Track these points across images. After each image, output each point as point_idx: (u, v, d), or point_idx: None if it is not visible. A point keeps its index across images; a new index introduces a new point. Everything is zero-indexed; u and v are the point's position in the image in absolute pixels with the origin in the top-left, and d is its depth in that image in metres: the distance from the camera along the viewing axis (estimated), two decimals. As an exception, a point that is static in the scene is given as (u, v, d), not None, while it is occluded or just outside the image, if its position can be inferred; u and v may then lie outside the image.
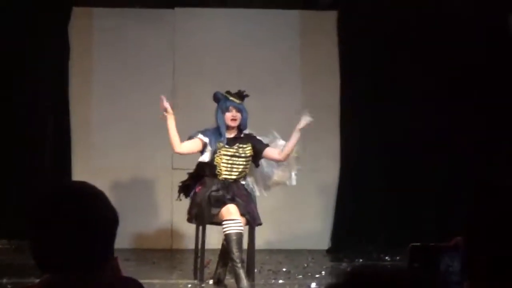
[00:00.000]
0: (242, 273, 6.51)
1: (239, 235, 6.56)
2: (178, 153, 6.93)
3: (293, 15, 9.12)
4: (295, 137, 6.80)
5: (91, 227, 2.12)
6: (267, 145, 6.93)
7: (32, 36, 8.52)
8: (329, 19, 9.00)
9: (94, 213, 2.14)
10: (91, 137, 8.90)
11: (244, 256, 6.80)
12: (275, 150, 6.89)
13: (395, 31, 8.70)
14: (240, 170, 6.90)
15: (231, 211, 6.60)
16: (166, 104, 6.77)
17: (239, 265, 6.52)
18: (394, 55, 8.71)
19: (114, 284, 2.12)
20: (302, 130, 8.42)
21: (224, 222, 6.58)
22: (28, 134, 8.61)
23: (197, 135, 6.87)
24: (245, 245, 6.80)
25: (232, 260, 6.55)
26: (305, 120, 6.77)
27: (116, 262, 2.21)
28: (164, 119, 6.80)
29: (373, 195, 8.67)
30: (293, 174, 7.00)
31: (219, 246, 6.99)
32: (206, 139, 6.84)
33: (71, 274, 2.12)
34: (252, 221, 6.79)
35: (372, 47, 8.73)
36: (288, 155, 6.85)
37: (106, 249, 2.17)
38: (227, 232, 6.56)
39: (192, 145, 6.89)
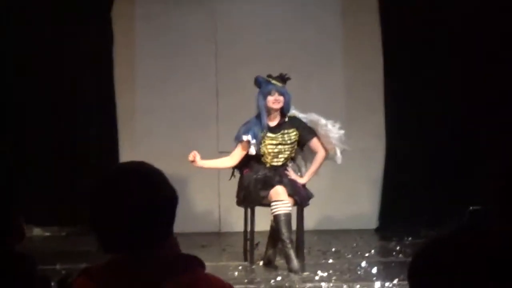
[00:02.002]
0: (292, 253, 6.54)
1: (288, 216, 6.59)
2: (234, 165, 6.97)
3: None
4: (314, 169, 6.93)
5: (152, 206, 2.15)
6: (313, 135, 6.91)
7: (76, 23, 8.57)
8: (370, -1, 8.95)
9: (155, 192, 2.16)
10: (137, 123, 8.96)
11: (293, 237, 6.84)
12: (320, 145, 6.90)
13: (437, 9, 8.60)
14: (286, 156, 6.92)
15: (279, 192, 6.63)
16: (192, 158, 6.78)
17: (289, 245, 6.55)
18: (437, 32, 8.62)
19: (176, 261, 2.15)
20: (347, 110, 8.43)
21: (272, 203, 6.61)
22: (75, 121, 8.69)
23: (240, 137, 6.87)
24: (293, 226, 6.83)
25: (282, 240, 6.58)
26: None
27: (175, 240, 2.24)
28: (196, 165, 6.87)
29: (419, 173, 8.63)
30: (338, 152, 6.99)
31: (267, 228, 7.03)
32: (249, 137, 6.84)
33: (134, 253, 2.15)
34: (301, 201, 6.81)
35: (414, 24, 8.65)
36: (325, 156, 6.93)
37: (167, 227, 2.19)
38: (276, 213, 6.59)
39: (240, 153, 6.92)
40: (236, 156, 6.94)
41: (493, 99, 8.51)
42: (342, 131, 6.96)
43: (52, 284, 2.11)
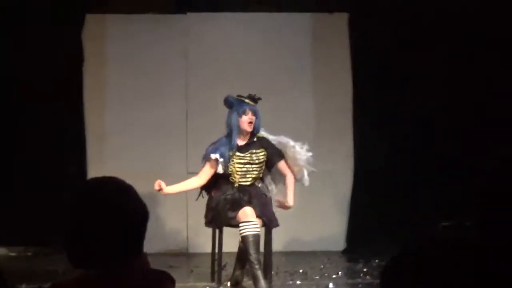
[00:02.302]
0: (260, 274, 6.53)
1: (257, 237, 6.59)
2: (203, 185, 6.97)
3: (304, 18, 9.15)
4: (289, 194, 6.88)
5: (122, 222, 2.15)
6: (281, 158, 6.93)
7: (46, 44, 8.57)
8: (340, 21, 9.04)
9: (125, 208, 2.17)
10: (106, 143, 8.95)
11: (261, 258, 6.84)
12: (287, 168, 6.92)
13: (406, 32, 8.71)
14: (254, 175, 6.92)
15: (247, 213, 6.63)
16: (158, 187, 6.78)
17: (257, 266, 6.55)
18: (406, 55, 8.72)
19: (146, 277, 2.16)
20: (316, 132, 8.48)
21: (241, 224, 6.61)
22: (44, 142, 8.65)
23: (208, 155, 6.87)
24: (261, 247, 6.84)
25: (250, 261, 6.57)
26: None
27: (145, 257, 2.25)
28: (163, 193, 6.86)
29: (387, 196, 8.68)
30: (305, 174, 7.00)
31: (235, 249, 7.03)
32: (217, 155, 6.84)
33: (103, 269, 2.15)
34: (269, 223, 6.81)
35: (383, 48, 8.75)
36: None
37: (137, 243, 2.20)
38: (244, 234, 6.59)
39: (208, 171, 6.91)
40: (204, 175, 6.93)
41: (463, 125, 8.61)
42: (309, 153, 6.98)
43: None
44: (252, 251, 6.53)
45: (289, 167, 6.93)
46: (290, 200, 6.86)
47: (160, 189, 6.78)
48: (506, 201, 1.78)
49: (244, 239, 6.60)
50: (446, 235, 1.53)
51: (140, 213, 2.21)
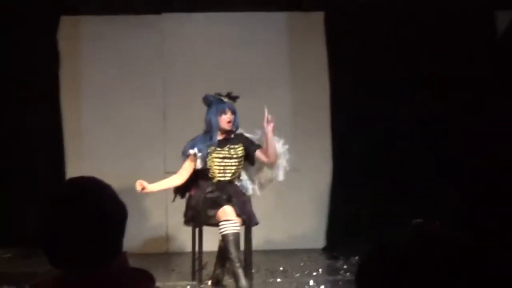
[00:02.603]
0: (241, 272, 6.55)
1: (237, 235, 6.60)
2: (183, 182, 6.96)
3: (280, 17, 9.17)
4: (268, 136, 6.80)
5: (101, 222, 2.15)
6: (258, 146, 6.96)
7: (21, 46, 8.54)
8: (316, 20, 9.05)
9: (104, 208, 2.17)
10: (83, 143, 8.92)
11: (241, 257, 6.85)
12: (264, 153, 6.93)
13: (382, 30, 8.76)
14: (233, 171, 6.93)
15: (227, 212, 6.64)
16: (140, 187, 6.77)
17: (238, 264, 6.56)
18: (382, 54, 8.76)
19: (126, 275, 2.15)
20: (294, 130, 8.51)
21: (221, 223, 6.62)
22: (20, 143, 8.62)
23: (187, 152, 6.89)
24: (242, 245, 6.85)
25: (231, 260, 6.58)
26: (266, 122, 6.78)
27: (125, 256, 2.25)
28: (146, 192, 6.87)
29: (366, 192, 8.71)
30: (280, 169, 7.01)
31: (215, 248, 7.03)
32: (195, 150, 6.85)
33: (82, 269, 2.14)
34: (249, 221, 6.83)
35: (360, 47, 8.78)
36: (274, 155, 6.87)
37: (116, 242, 2.20)
38: (224, 232, 6.59)
39: (188, 168, 6.92)
40: (184, 172, 6.94)
41: (441, 121, 8.66)
42: (286, 146, 7.01)
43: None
44: (232, 249, 6.55)
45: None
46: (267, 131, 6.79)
47: (143, 188, 6.78)
48: (493, 198, 1.80)
49: (224, 237, 6.61)
50: (420, 231, 1.54)
51: (119, 213, 2.21)
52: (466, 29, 8.71)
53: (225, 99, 6.88)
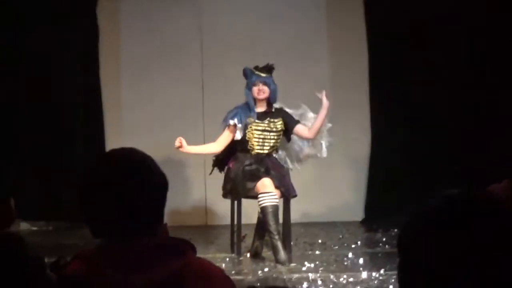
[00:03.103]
0: (279, 245, 6.58)
1: (275, 208, 6.63)
2: (220, 151, 7.01)
3: (319, -12, 9.11)
4: (322, 114, 6.86)
5: (142, 192, 2.17)
6: (298, 122, 6.98)
7: (61, 19, 8.58)
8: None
9: (145, 177, 2.19)
10: (123, 117, 8.98)
11: (280, 229, 6.89)
12: (305, 128, 6.94)
13: (424, 4, 8.63)
14: (271, 144, 6.96)
15: (265, 184, 6.66)
16: (179, 144, 6.84)
17: (277, 237, 6.59)
18: (421, 26, 8.65)
19: (168, 245, 2.18)
20: (332, 102, 8.48)
21: (259, 196, 6.64)
22: (60, 116, 8.69)
23: (227, 121, 6.92)
24: (280, 218, 6.88)
25: (270, 232, 6.62)
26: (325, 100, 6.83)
27: (166, 226, 2.27)
28: (182, 150, 6.94)
29: (405, 165, 8.67)
30: (323, 146, 7.05)
31: (254, 221, 7.07)
32: (235, 120, 6.89)
33: (124, 238, 2.17)
34: (287, 193, 6.85)
35: (398, 19, 8.68)
36: (317, 132, 6.91)
37: (157, 213, 2.22)
38: (263, 205, 6.62)
39: (226, 138, 6.96)
40: (222, 141, 6.99)
41: (480, 100, 8.57)
42: (329, 124, 7.03)
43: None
44: (271, 222, 6.58)
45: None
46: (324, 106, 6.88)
47: (180, 146, 6.86)
48: None
49: (263, 210, 6.64)
50: (469, 196, 1.53)
51: (160, 183, 2.23)
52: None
53: (256, 72, 6.91)
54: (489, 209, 1.47)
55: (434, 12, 8.59)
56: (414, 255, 1.49)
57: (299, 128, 6.95)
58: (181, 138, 6.87)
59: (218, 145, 7.03)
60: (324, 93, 6.92)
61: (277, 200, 6.67)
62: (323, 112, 6.87)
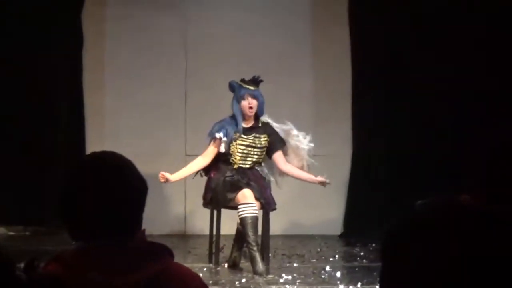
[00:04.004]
0: (258, 256, 6.58)
1: (255, 219, 6.63)
2: (208, 163, 6.99)
3: (304, 1, 9.14)
4: (306, 177, 6.98)
5: (122, 194, 2.17)
6: (282, 145, 6.96)
7: (45, 24, 8.56)
8: (340, 5, 9.01)
9: (124, 181, 2.19)
10: (105, 124, 8.96)
11: (259, 240, 6.89)
12: (283, 159, 6.95)
13: (407, 16, 8.69)
14: (254, 159, 6.96)
15: (246, 195, 6.66)
16: (163, 180, 6.83)
17: (255, 248, 6.60)
18: (406, 40, 8.71)
19: (146, 250, 2.17)
20: (315, 116, 8.50)
21: (239, 206, 6.64)
22: (43, 121, 8.66)
23: (213, 134, 6.88)
24: (259, 229, 6.88)
25: (248, 243, 6.62)
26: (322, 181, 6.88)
27: (143, 232, 2.26)
28: (171, 181, 6.91)
29: (385, 180, 8.70)
30: (305, 166, 7.08)
31: (232, 232, 7.06)
32: (220, 134, 6.86)
33: (101, 242, 2.16)
34: (267, 205, 6.85)
35: (383, 32, 8.74)
36: (288, 174, 6.98)
37: (136, 217, 2.22)
38: (242, 215, 6.62)
39: (213, 150, 6.92)
40: (209, 154, 6.94)
41: (462, 115, 8.61)
42: (311, 144, 7.04)
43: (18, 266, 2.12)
44: (250, 233, 6.58)
45: (286, 158, 6.98)
46: (314, 178, 6.93)
47: (166, 180, 6.81)
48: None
49: (242, 220, 6.64)
50: (450, 201, 1.54)
51: (140, 186, 2.23)
52: (491, 17, 8.63)
53: (245, 85, 6.87)
54: (475, 214, 1.48)
55: (417, 28, 8.65)
56: (397, 263, 1.49)
57: (277, 156, 6.94)
58: (163, 173, 6.82)
59: (205, 159, 6.97)
60: (324, 181, 6.95)
61: (256, 212, 6.68)
62: (309, 177, 6.96)
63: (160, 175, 6.78)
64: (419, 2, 8.67)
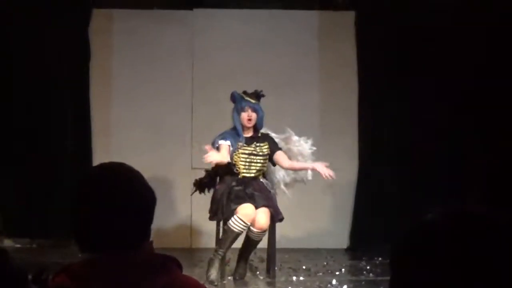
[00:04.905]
0: (216, 263, 6.66)
1: (237, 236, 6.67)
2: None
3: (311, 15, 9.17)
4: (307, 165, 6.94)
5: (130, 207, 2.17)
6: (279, 149, 7.00)
7: (53, 38, 8.60)
8: (346, 19, 9.05)
9: (134, 192, 2.18)
10: (111, 137, 8.97)
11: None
12: (285, 157, 6.96)
13: (413, 31, 8.71)
14: (258, 168, 6.97)
15: (246, 213, 6.65)
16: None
17: (220, 257, 6.69)
18: (412, 55, 8.73)
19: (154, 261, 2.17)
20: (321, 129, 8.51)
21: (235, 217, 6.65)
22: (50, 136, 8.68)
23: (219, 141, 6.91)
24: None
25: (218, 250, 6.68)
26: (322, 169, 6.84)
27: (152, 243, 2.27)
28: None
29: (391, 193, 8.69)
30: (308, 170, 7.07)
31: (238, 245, 7.05)
32: (228, 142, 6.90)
33: (110, 253, 2.17)
34: (276, 214, 6.84)
35: (389, 47, 8.76)
36: (293, 170, 6.98)
37: (145, 228, 2.22)
38: (231, 227, 6.64)
39: (227, 151, 6.94)
40: (225, 153, 6.93)
41: (469, 120, 8.62)
42: (314, 148, 7.07)
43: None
44: (227, 243, 6.63)
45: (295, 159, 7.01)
46: (318, 164, 6.91)
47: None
48: None
49: (228, 230, 6.66)
50: (460, 210, 1.53)
51: (149, 197, 2.23)
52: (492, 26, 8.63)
53: (246, 98, 6.92)
54: (485, 223, 1.48)
55: (423, 41, 8.67)
56: (407, 270, 1.49)
57: (278, 155, 6.97)
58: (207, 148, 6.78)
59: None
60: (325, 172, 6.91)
61: (243, 230, 6.68)
62: (310, 165, 6.92)
63: (207, 147, 6.73)
64: (426, 15, 8.66)
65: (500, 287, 1.40)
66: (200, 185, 7.13)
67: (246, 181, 6.87)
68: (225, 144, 6.89)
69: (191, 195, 7.25)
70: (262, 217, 6.70)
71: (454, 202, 8.19)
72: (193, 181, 7.20)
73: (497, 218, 1.48)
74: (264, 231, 6.74)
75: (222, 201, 6.80)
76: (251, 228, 6.69)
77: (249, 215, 6.65)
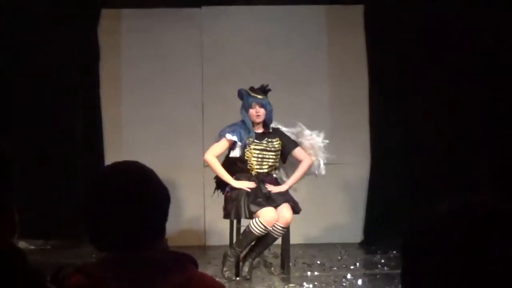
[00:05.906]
0: (233, 261, 6.76)
1: (256, 238, 6.69)
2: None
3: (319, 10, 9.15)
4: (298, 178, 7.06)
5: (144, 205, 2.17)
6: (297, 145, 6.98)
7: (62, 38, 8.60)
8: (355, 13, 9.02)
9: (147, 191, 2.18)
10: (122, 137, 8.98)
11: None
12: (303, 153, 6.96)
13: (423, 25, 8.68)
14: (270, 163, 6.97)
15: (269, 219, 6.65)
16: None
17: (236, 255, 6.79)
18: (422, 49, 8.69)
19: (170, 259, 2.17)
20: (332, 124, 8.50)
21: (256, 220, 6.64)
22: (61, 134, 8.69)
23: (225, 135, 6.91)
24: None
25: (234, 248, 6.74)
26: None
27: (166, 241, 2.26)
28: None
29: (404, 187, 8.67)
30: (321, 163, 7.06)
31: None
32: (235, 137, 6.89)
33: (125, 252, 2.16)
34: (295, 207, 6.85)
35: (399, 41, 8.73)
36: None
37: (159, 226, 2.22)
38: (252, 230, 6.64)
39: (220, 148, 6.96)
40: (216, 149, 6.96)
41: (480, 115, 8.59)
42: (326, 141, 7.05)
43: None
44: (244, 244, 6.64)
45: (306, 152, 7.00)
46: (286, 186, 6.94)
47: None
48: None
49: (248, 232, 6.68)
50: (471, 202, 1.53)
51: (163, 194, 2.23)
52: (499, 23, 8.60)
53: (253, 93, 6.91)
54: (495, 215, 1.47)
55: (434, 34, 8.63)
56: (420, 262, 1.48)
57: (298, 152, 6.97)
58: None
59: (212, 157, 7.02)
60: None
61: (263, 234, 6.69)
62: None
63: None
64: (436, 7, 8.63)
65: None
66: (220, 183, 7.11)
67: (260, 178, 6.86)
68: (227, 140, 6.87)
69: (212, 195, 7.24)
70: (286, 212, 6.72)
71: (466, 196, 8.15)
72: (214, 180, 7.18)
73: (506, 210, 1.47)
74: (288, 225, 6.72)
75: (240, 200, 6.77)
76: (276, 224, 6.68)
77: (272, 220, 6.67)
